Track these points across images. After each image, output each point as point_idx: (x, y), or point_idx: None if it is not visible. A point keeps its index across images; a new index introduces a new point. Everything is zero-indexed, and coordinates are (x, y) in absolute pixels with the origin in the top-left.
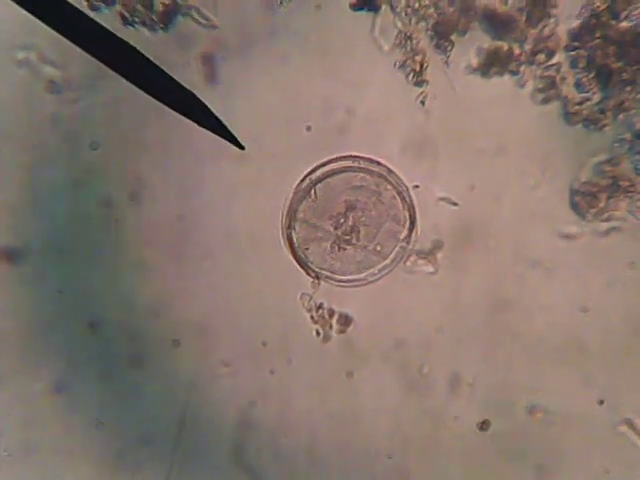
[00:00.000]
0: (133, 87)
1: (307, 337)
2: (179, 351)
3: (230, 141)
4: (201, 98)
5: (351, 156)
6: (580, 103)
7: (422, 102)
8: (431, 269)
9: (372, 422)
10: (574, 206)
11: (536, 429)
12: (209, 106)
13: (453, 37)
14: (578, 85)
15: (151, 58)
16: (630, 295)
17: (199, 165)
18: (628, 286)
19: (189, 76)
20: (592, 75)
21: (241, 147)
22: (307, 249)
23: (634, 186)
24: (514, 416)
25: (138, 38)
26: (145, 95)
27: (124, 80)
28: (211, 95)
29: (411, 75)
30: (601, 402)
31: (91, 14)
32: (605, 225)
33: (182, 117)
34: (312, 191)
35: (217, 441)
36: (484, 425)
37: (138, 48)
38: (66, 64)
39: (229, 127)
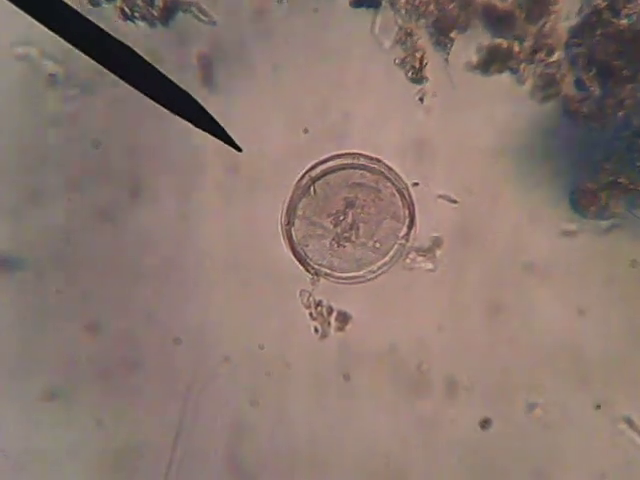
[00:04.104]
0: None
1: (306, 335)
2: (177, 352)
3: (227, 143)
4: (197, 99)
5: (350, 153)
6: (580, 101)
7: (420, 99)
8: (430, 266)
9: (370, 423)
10: (574, 204)
11: (533, 432)
12: (205, 107)
13: (453, 34)
14: (578, 83)
15: (146, 57)
16: (630, 295)
17: (198, 166)
18: (628, 285)
19: (186, 77)
20: (592, 73)
21: (238, 149)
22: (307, 246)
23: (634, 184)
24: (511, 418)
25: (138, 33)
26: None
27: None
28: (208, 96)
29: (411, 72)
30: (598, 407)
31: (92, 9)
32: (605, 223)
33: (179, 118)
34: (312, 188)
35: (214, 443)
36: (485, 424)
37: (134, 47)
38: (66, 60)
39: (226, 129)
